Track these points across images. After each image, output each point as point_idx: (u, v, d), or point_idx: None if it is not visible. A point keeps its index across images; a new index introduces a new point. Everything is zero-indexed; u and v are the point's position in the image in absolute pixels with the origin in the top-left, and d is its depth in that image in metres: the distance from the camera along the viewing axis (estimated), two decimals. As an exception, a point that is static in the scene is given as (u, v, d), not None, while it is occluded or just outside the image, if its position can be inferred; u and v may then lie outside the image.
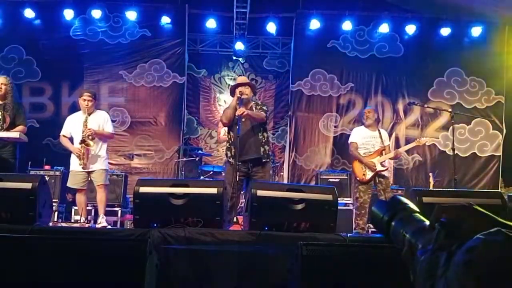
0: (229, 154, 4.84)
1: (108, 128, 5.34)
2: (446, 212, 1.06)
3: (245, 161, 4.66)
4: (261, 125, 4.90)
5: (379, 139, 5.73)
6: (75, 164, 5.17)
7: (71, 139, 5.27)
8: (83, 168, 5.09)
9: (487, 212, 1.02)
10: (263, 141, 4.82)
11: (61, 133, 5.32)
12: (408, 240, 1.16)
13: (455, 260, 0.87)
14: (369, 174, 5.56)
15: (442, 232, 1.02)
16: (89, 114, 5.20)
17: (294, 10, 8.33)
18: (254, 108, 4.89)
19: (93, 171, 5.15)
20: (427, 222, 1.16)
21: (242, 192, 5.60)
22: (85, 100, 5.20)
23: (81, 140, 5.07)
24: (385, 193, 5.51)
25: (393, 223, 1.28)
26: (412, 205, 1.30)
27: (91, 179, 5.20)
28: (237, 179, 4.60)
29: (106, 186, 5.30)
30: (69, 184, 5.29)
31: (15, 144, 4.96)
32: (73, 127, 5.26)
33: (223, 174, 6.48)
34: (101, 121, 5.29)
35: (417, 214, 1.25)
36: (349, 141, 5.92)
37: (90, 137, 5.06)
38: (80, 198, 5.23)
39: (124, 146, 8.03)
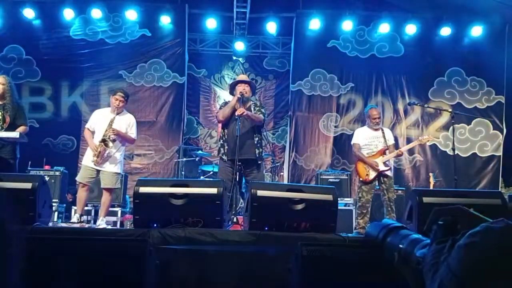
0: (222, 151, 4.83)
1: (132, 132, 5.26)
2: (442, 214, 1.20)
3: (239, 160, 4.64)
4: (258, 127, 4.89)
5: (382, 139, 5.70)
6: (87, 159, 5.09)
7: (93, 134, 5.19)
8: (94, 164, 5.02)
9: (478, 214, 1.15)
10: (258, 143, 4.81)
11: (86, 126, 5.30)
12: (405, 249, 1.34)
13: (458, 244, 0.95)
14: (372, 174, 5.53)
15: (439, 231, 1.12)
16: (118, 114, 5.16)
17: (294, 10, 8.33)
18: (252, 109, 4.88)
19: (103, 171, 5.06)
20: (417, 235, 1.36)
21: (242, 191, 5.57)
22: (117, 99, 5.14)
23: (102, 139, 5.00)
24: (388, 193, 5.50)
25: (388, 239, 1.49)
26: (398, 223, 1.53)
27: (99, 179, 5.12)
28: (237, 178, 4.60)
29: (113, 190, 5.19)
30: (77, 178, 5.20)
31: (14, 144, 4.94)
32: (97, 123, 5.18)
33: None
34: (126, 124, 5.21)
35: (406, 230, 1.47)
36: (352, 143, 5.90)
37: (111, 138, 4.99)
38: (81, 193, 5.12)
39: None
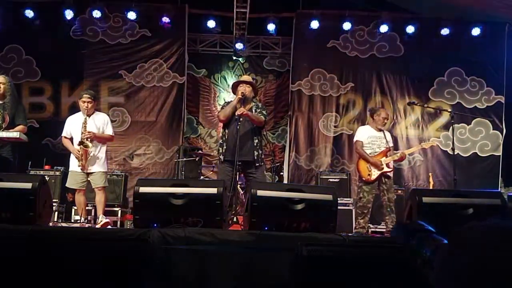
0: (220, 151, 4.82)
1: (108, 130, 5.34)
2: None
3: (238, 161, 4.63)
4: (258, 128, 4.87)
5: (384, 140, 5.69)
6: (74, 164, 5.20)
7: (72, 140, 5.29)
8: (81, 169, 5.11)
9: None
10: (258, 145, 4.79)
11: (62, 134, 5.36)
12: (428, 257, 1.33)
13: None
14: (375, 174, 5.51)
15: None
16: (89, 116, 5.23)
17: (294, 10, 8.32)
18: (254, 110, 4.86)
19: (92, 173, 5.17)
20: (445, 241, 1.34)
21: (242, 193, 5.59)
22: (84, 102, 5.21)
23: (79, 142, 5.10)
24: (388, 193, 5.50)
25: (413, 244, 1.47)
26: (429, 227, 1.51)
27: (89, 180, 5.21)
28: (237, 179, 4.59)
29: (105, 188, 5.31)
30: (68, 184, 5.32)
31: (13, 144, 4.95)
32: (73, 128, 5.28)
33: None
34: (101, 123, 5.30)
35: (434, 235, 1.45)
36: (354, 140, 5.88)
37: (88, 139, 5.08)
38: (79, 198, 5.26)
39: (124, 146, 8.03)
